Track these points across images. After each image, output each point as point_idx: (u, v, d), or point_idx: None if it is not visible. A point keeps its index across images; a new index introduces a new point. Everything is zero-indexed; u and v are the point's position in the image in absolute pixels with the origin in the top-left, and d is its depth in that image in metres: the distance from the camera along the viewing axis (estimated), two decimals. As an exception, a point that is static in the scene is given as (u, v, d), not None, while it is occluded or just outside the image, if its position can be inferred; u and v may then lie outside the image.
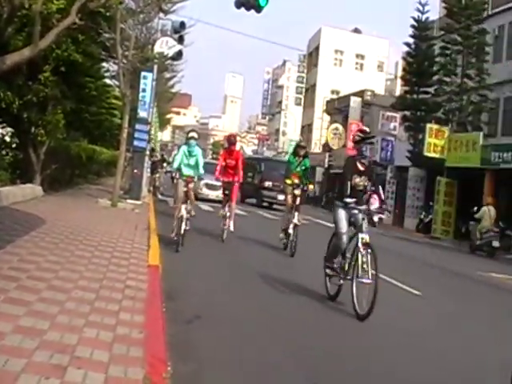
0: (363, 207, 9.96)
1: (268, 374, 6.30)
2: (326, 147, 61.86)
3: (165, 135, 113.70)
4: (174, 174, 15.67)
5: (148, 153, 27.47)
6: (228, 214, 16.66)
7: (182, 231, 13.81)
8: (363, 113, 56.91)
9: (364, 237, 9.57)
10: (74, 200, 20.05)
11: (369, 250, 9.40)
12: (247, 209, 31.70)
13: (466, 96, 36.44)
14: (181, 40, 23.52)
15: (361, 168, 10.23)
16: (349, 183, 10.07)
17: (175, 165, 15.07)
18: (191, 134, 15.35)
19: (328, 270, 10.34)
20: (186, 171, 14.96)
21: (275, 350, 7.11)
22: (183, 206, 14.10)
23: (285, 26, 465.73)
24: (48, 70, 18.15)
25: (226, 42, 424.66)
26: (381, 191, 10.55)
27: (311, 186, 17.39)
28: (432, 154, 37.19)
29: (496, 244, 26.97)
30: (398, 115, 47.06)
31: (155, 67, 24.57)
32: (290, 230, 15.79)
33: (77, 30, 16.42)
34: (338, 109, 62.75)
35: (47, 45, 9.61)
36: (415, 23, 42.20)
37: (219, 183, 21.93)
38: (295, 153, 16.75)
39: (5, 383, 4.32)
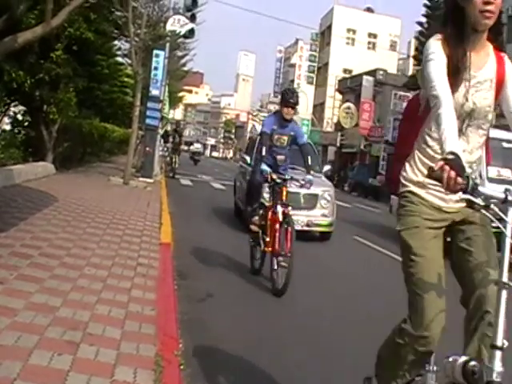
0: None
1: (280, 352, 6.33)
2: (338, 126, 61.70)
3: (177, 113, 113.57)
4: None
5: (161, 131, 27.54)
6: None
7: None
8: (375, 92, 56.63)
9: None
10: (86, 178, 20.11)
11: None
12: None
13: (479, 75, 36.27)
14: (193, 18, 23.42)
15: None
16: None
17: None
18: None
19: None
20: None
21: (289, 330, 7.14)
22: None
23: (297, 4, 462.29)
24: (60, 49, 18.12)
25: (239, 20, 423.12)
26: None
27: None
28: (444, 134, 37.08)
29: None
30: (410, 95, 46.77)
31: (167, 45, 24.50)
32: None
33: (89, 8, 16.39)
34: (350, 88, 62.48)
35: (59, 23, 9.56)
36: (428, 2, 41.99)
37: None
38: None
39: (18, 359, 4.36)
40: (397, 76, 60.31)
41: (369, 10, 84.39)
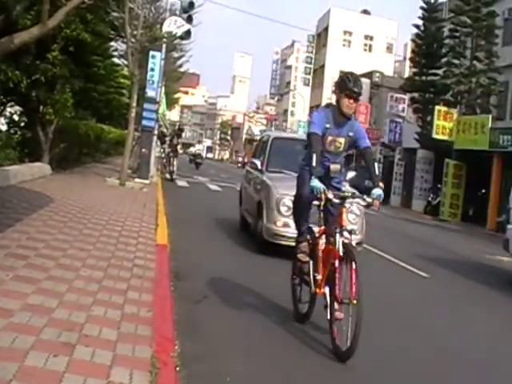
0: None
1: (278, 352, 6.33)
2: (334, 128, 61.61)
3: (173, 115, 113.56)
4: None
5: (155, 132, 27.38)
6: None
7: None
8: (372, 94, 56.64)
9: None
10: (83, 179, 20.08)
11: None
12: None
13: (474, 78, 36.24)
14: (189, 19, 23.44)
15: None
16: None
17: None
18: None
19: None
20: None
21: (289, 331, 7.14)
22: None
23: (294, 5, 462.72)
24: (56, 49, 18.09)
25: (235, 21, 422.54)
26: None
27: None
28: (440, 137, 37.15)
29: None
30: (406, 97, 46.84)
31: (164, 46, 24.49)
32: None
33: (85, 9, 16.33)
34: (346, 90, 62.46)
35: (56, 24, 9.55)
36: (424, 5, 42.01)
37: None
38: None
39: (14, 360, 4.36)
40: (393, 78, 60.39)
41: (365, 12, 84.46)
